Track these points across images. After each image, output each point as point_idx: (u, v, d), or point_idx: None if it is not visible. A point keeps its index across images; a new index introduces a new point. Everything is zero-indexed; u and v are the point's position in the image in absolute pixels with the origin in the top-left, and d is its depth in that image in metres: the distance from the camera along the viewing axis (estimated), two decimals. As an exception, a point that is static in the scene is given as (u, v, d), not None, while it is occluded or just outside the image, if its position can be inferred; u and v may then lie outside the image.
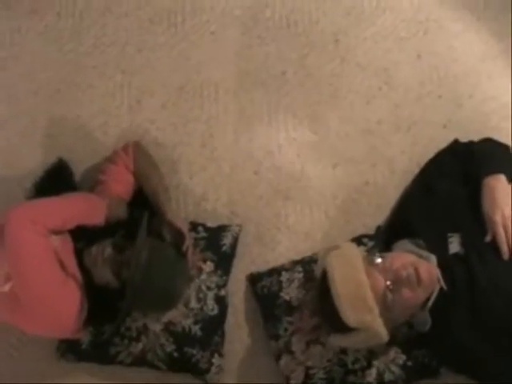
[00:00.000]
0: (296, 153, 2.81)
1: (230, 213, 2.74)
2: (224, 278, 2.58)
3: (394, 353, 2.39)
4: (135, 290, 2.22)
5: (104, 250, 2.31)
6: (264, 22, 3.00)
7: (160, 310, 2.48)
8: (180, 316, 2.48)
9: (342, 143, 2.83)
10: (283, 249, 2.69)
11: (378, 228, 2.66)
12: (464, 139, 2.65)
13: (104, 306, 2.34)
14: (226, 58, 2.97)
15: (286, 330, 2.48)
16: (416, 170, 2.72)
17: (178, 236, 2.46)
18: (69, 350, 2.50)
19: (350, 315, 2.15)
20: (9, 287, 2.21)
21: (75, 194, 2.50)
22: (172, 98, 2.90)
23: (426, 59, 2.95)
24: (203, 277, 2.55)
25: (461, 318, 2.27)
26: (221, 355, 2.50)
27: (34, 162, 2.78)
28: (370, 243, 2.59)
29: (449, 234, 2.40)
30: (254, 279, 2.62)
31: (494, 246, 2.31)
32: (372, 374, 2.37)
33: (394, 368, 2.37)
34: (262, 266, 2.65)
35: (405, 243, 2.44)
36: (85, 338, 2.47)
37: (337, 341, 2.33)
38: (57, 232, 2.29)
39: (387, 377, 2.37)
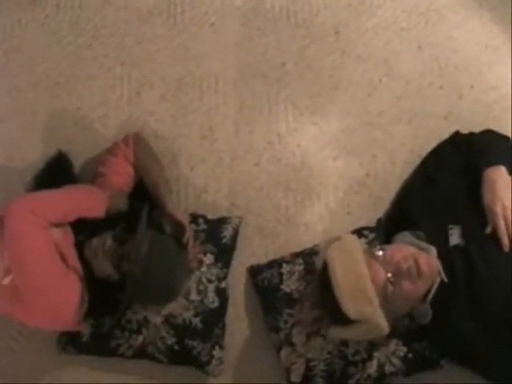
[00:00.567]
0: (296, 144, 2.80)
1: (230, 204, 2.73)
2: (224, 270, 2.58)
3: (394, 345, 2.39)
4: (135, 283, 2.22)
5: (104, 242, 2.31)
6: (264, 14, 3.00)
7: (160, 303, 2.47)
8: (180, 308, 2.48)
9: (343, 135, 2.82)
10: (284, 241, 2.68)
11: (379, 220, 2.65)
12: (465, 130, 2.65)
13: (104, 298, 2.34)
14: (226, 49, 2.97)
15: (286, 322, 2.48)
16: (417, 162, 2.72)
17: (179, 228, 2.45)
18: (70, 342, 2.50)
19: (350, 307, 2.15)
20: (9, 280, 2.20)
21: (76, 186, 2.51)
22: (171, 89, 2.90)
23: (427, 50, 2.95)
24: (203, 269, 2.55)
25: (461, 309, 2.27)
26: (221, 347, 2.50)
27: (34, 155, 2.78)
28: (371, 235, 2.58)
29: (449, 226, 2.40)
30: (254, 271, 2.62)
31: (495, 237, 2.31)
32: (372, 365, 2.37)
33: (394, 360, 2.37)
34: (262, 258, 2.65)
35: (405, 235, 2.43)
36: (85, 330, 2.47)
37: (337, 333, 2.33)
38: (57, 224, 2.29)
39: (388, 369, 2.37)
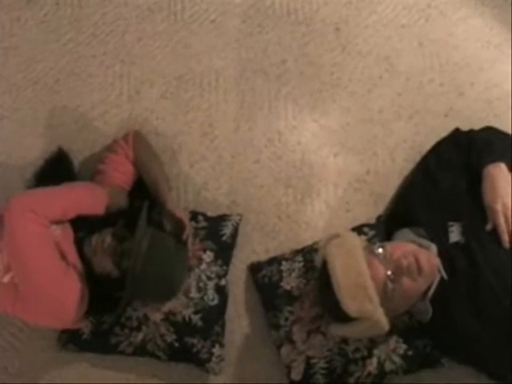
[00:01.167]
0: (297, 141, 2.80)
1: (230, 202, 2.73)
2: (224, 267, 2.58)
3: (394, 342, 2.39)
4: (135, 280, 2.23)
5: (104, 239, 2.31)
6: (264, 11, 2.99)
7: (160, 300, 2.47)
8: (180, 306, 2.48)
9: (343, 132, 2.82)
10: (284, 238, 2.68)
11: (379, 217, 2.65)
12: (465, 127, 2.64)
13: (104, 295, 2.34)
14: (227, 46, 2.97)
15: (286, 319, 2.48)
16: (417, 159, 2.71)
17: (178, 225, 2.45)
18: (70, 340, 2.50)
19: (350, 305, 2.14)
20: (8, 278, 2.21)
21: (75, 183, 2.50)
22: (172, 87, 2.90)
23: (428, 47, 2.95)
24: (203, 266, 2.55)
25: (461, 306, 2.26)
26: (221, 345, 2.50)
27: (34, 152, 2.78)
28: (371, 232, 2.58)
29: (449, 223, 2.40)
30: (254, 269, 2.62)
31: (495, 234, 2.31)
32: (373, 363, 2.37)
33: (394, 357, 2.37)
34: (262, 256, 2.65)
35: (405, 232, 2.44)
36: (85, 328, 2.48)
37: (337, 330, 2.32)
38: (57, 222, 2.30)
39: (388, 366, 2.36)
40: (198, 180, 2.75)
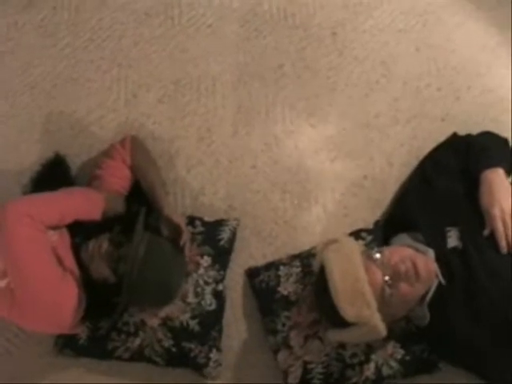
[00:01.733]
0: (294, 146, 2.80)
1: (227, 207, 2.73)
2: (221, 272, 2.57)
3: (392, 347, 2.39)
4: (132, 285, 2.23)
5: (101, 244, 2.31)
6: (262, 15, 3.00)
7: (157, 305, 2.47)
8: (178, 311, 2.47)
9: (340, 136, 2.82)
10: (281, 243, 2.68)
11: (377, 222, 2.65)
12: (463, 132, 2.65)
13: (101, 301, 2.34)
14: (224, 50, 2.97)
15: (283, 324, 2.47)
16: (414, 163, 2.71)
17: (176, 231, 2.44)
18: (67, 345, 2.50)
19: (348, 310, 2.14)
20: (5, 283, 2.20)
21: (72, 188, 2.50)
22: (169, 91, 2.90)
23: (425, 51, 2.95)
24: (201, 271, 2.55)
25: (459, 311, 2.26)
26: (219, 350, 2.49)
27: (31, 157, 2.78)
28: (369, 237, 2.58)
29: (447, 228, 2.40)
30: (251, 274, 2.61)
31: (493, 239, 2.31)
32: (370, 368, 2.36)
33: (392, 362, 2.37)
34: (259, 261, 2.65)
35: (403, 237, 2.44)
36: (82, 333, 2.47)
37: (335, 335, 2.32)
38: (54, 227, 2.30)
39: (385, 371, 2.36)
40: (195, 185, 2.75)
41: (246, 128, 2.83)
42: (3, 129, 2.85)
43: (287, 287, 2.53)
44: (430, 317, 2.27)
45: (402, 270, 2.17)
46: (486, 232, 2.33)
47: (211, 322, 2.51)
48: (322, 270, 2.25)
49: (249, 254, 2.67)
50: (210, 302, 2.51)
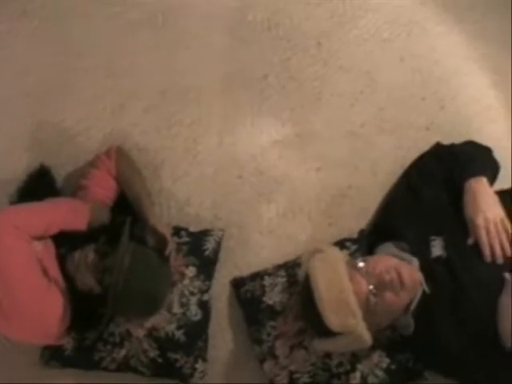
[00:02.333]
0: (279, 156, 2.80)
1: (213, 217, 2.73)
2: (207, 282, 2.58)
3: (377, 356, 2.40)
4: (117, 296, 2.23)
5: (87, 255, 2.31)
6: (246, 25, 2.98)
7: (143, 316, 2.47)
8: (163, 321, 2.47)
9: (326, 146, 2.82)
10: (266, 253, 2.69)
11: (361, 231, 2.65)
12: (447, 141, 2.66)
13: (87, 311, 2.34)
14: (209, 60, 2.96)
15: (269, 334, 2.48)
16: (399, 173, 2.72)
17: (161, 241, 2.44)
18: (53, 356, 2.50)
19: (333, 320, 2.15)
20: (-10, 294, 2.20)
21: (58, 199, 2.50)
22: (155, 101, 2.89)
23: (409, 61, 2.95)
24: (186, 282, 2.55)
25: (444, 320, 2.27)
26: (204, 360, 2.50)
27: (17, 167, 2.76)
28: (353, 247, 2.58)
29: (431, 237, 2.40)
30: (237, 284, 2.62)
31: (477, 248, 2.32)
32: (356, 377, 2.37)
33: (377, 372, 2.37)
34: (245, 270, 2.65)
35: (388, 246, 2.44)
36: (68, 344, 2.47)
37: (320, 345, 2.33)
38: (39, 237, 2.29)
39: (371, 380, 2.37)
40: (181, 195, 2.75)
41: (231, 138, 2.83)
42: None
43: (272, 297, 2.53)
44: (415, 325, 2.28)
45: (386, 279, 2.18)
46: (470, 241, 2.34)
47: (197, 333, 2.51)
48: (307, 279, 2.26)
49: (234, 264, 2.68)
50: (195, 313, 2.51)
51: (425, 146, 2.69)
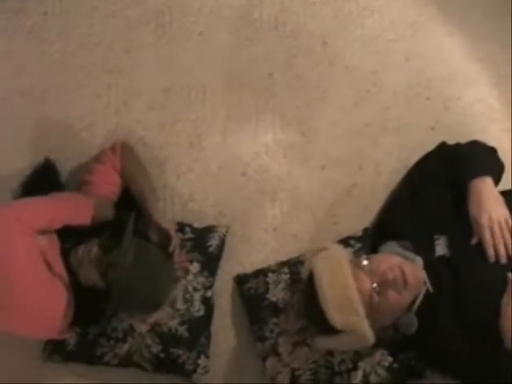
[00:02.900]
0: (283, 154, 2.81)
1: (217, 213, 2.73)
2: (210, 279, 2.58)
3: (380, 355, 2.39)
4: (121, 291, 2.22)
5: (90, 250, 2.30)
6: (252, 23, 2.99)
7: (146, 311, 2.47)
8: (166, 317, 2.48)
9: (330, 145, 2.83)
10: (270, 250, 2.69)
11: (365, 230, 2.65)
12: (451, 141, 2.64)
13: (90, 306, 2.33)
14: (214, 58, 2.97)
15: (272, 331, 2.48)
16: (403, 172, 2.71)
17: (165, 237, 2.45)
18: (55, 351, 2.49)
19: (336, 317, 2.15)
20: (-7, 288, 2.20)
21: (62, 193, 2.50)
22: (159, 98, 2.89)
23: (414, 61, 2.96)
24: (190, 278, 2.55)
25: (447, 319, 2.26)
26: (207, 356, 2.50)
27: (21, 163, 2.76)
28: (357, 245, 2.58)
29: (435, 237, 2.41)
30: (240, 281, 2.62)
31: (480, 248, 2.32)
32: (358, 375, 2.37)
33: (379, 370, 2.37)
34: (248, 267, 2.65)
35: (391, 245, 2.43)
36: (71, 338, 2.47)
37: (323, 343, 2.33)
38: (43, 232, 2.28)
39: (373, 379, 2.36)
40: (185, 191, 2.75)
41: (235, 136, 2.83)
42: (-6, 133, 2.84)
43: (276, 294, 2.53)
44: (418, 324, 2.27)
45: (390, 278, 2.18)
46: (473, 241, 2.34)
47: (200, 329, 2.51)
48: (311, 277, 2.26)
49: (237, 260, 2.68)
50: (198, 309, 2.52)
51: (429, 145, 2.67)
